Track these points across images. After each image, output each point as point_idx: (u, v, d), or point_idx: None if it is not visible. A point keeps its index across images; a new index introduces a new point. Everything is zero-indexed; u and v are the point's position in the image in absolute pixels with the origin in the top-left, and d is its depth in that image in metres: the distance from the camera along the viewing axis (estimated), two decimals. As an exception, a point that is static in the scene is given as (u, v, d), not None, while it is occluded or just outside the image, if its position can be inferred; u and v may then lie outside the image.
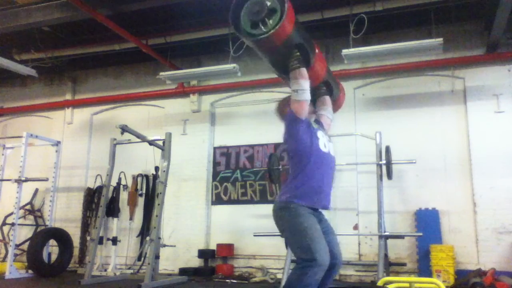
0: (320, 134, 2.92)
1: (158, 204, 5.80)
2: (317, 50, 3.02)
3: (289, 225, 2.71)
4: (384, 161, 5.80)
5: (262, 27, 2.65)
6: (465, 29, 6.70)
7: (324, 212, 2.94)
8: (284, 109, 3.01)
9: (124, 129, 5.87)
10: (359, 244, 6.60)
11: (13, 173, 7.54)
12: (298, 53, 2.80)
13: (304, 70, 2.79)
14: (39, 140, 7.68)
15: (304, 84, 2.78)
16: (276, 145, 7.22)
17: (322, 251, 2.56)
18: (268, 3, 2.66)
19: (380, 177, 5.88)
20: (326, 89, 3.25)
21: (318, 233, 2.65)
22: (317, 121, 3.14)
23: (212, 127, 7.88)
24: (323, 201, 2.85)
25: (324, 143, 2.91)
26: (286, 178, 2.92)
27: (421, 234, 5.64)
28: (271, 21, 2.64)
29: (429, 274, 5.76)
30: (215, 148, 7.78)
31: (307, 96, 2.80)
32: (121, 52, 7.63)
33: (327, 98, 3.25)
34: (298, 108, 2.81)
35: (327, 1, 6.26)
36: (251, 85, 7.54)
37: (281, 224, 2.78)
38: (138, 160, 7.83)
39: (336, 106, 3.55)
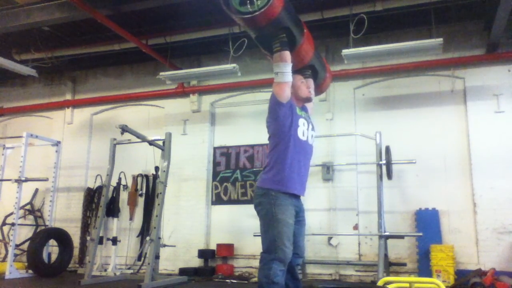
0: (301, 122, 2.95)
1: (158, 204, 5.80)
2: (305, 30, 3.03)
3: (266, 212, 2.78)
4: (384, 161, 5.81)
5: (249, 6, 2.67)
6: (465, 29, 6.70)
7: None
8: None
9: (124, 129, 5.87)
10: (359, 244, 6.60)
11: (13, 173, 7.53)
12: (283, 35, 2.81)
13: (286, 53, 2.81)
14: (39, 140, 7.67)
15: (285, 67, 2.80)
16: (276, 145, 7.21)
17: (284, 247, 2.68)
18: None
19: (380, 177, 5.89)
20: (311, 72, 3.26)
21: (288, 229, 2.74)
22: (304, 108, 3.15)
23: (212, 127, 7.88)
24: (299, 186, 2.91)
25: (303, 131, 2.94)
26: (266, 160, 2.98)
27: (421, 234, 5.65)
28: (258, 2, 2.65)
29: (429, 274, 5.76)
30: (215, 148, 7.78)
31: (287, 78, 2.83)
32: (121, 52, 7.63)
33: (311, 81, 3.25)
34: (278, 91, 2.84)
35: (327, 1, 6.26)
36: (251, 85, 7.54)
37: (259, 210, 2.85)
38: (138, 160, 7.83)
39: (322, 88, 3.59)
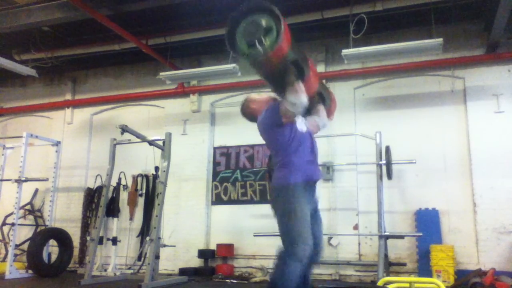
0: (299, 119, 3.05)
1: (158, 204, 5.80)
2: (310, 63, 3.05)
3: (284, 209, 2.80)
4: (384, 161, 5.81)
5: (259, 47, 2.63)
6: (465, 29, 6.70)
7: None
8: (250, 108, 3.22)
9: (124, 129, 5.87)
10: (359, 244, 6.60)
11: (13, 173, 7.53)
12: (293, 68, 2.83)
13: (301, 84, 2.84)
14: (39, 140, 7.67)
15: (304, 99, 2.83)
16: (276, 145, 7.21)
17: (304, 245, 2.68)
18: (264, 22, 2.65)
19: (380, 177, 5.89)
20: (319, 98, 3.33)
21: (306, 225, 2.75)
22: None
23: (212, 127, 7.88)
24: (315, 172, 3.00)
25: (299, 122, 3.04)
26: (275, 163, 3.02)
27: (421, 234, 5.65)
28: (268, 41, 2.63)
29: (429, 274, 5.76)
30: (215, 148, 7.78)
31: (300, 111, 2.90)
32: (121, 52, 7.63)
33: (321, 107, 3.35)
34: (287, 117, 2.91)
35: (327, 1, 6.26)
36: (251, 85, 7.52)
37: (276, 208, 2.87)
38: (138, 160, 7.83)
39: (328, 115, 3.61)
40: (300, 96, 2.81)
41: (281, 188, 2.84)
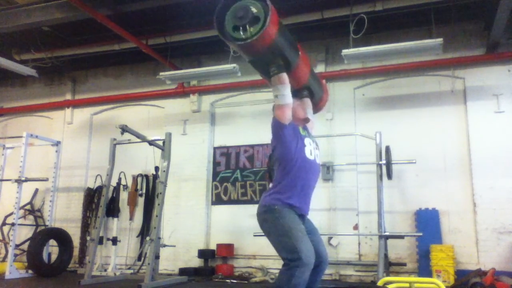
0: (307, 141, 2.94)
1: (158, 204, 5.80)
2: (300, 53, 3.03)
3: (274, 227, 2.72)
4: (384, 161, 5.81)
5: (242, 33, 2.64)
6: (465, 29, 6.70)
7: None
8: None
9: (124, 129, 5.87)
10: (359, 244, 6.60)
11: (13, 173, 7.53)
12: (279, 59, 2.80)
13: (283, 76, 2.79)
14: (39, 140, 7.67)
15: (284, 90, 2.79)
16: (276, 145, 7.21)
17: (307, 251, 2.60)
18: (254, 10, 2.64)
19: (380, 177, 5.89)
20: (308, 92, 3.27)
21: (302, 233, 2.68)
22: (305, 128, 3.15)
23: (212, 127, 7.88)
24: (305, 207, 2.88)
25: (310, 150, 2.93)
26: (273, 182, 2.94)
27: (421, 234, 5.65)
28: (251, 29, 2.62)
29: (429, 274, 5.76)
30: (215, 148, 7.78)
31: (287, 100, 2.82)
32: (121, 52, 7.63)
33: (308, 100, 3.26)
34: (280, 113, 2.83)
35: (327, 1, 6.26)
36: (251, 85, 7.53)
37: (266, 227, 2.79)
38: (138, 160, 7.83)
39: (318, 108, 3.58)
40: (279, 88, 2.79)
41: (267, 209, 2.77)
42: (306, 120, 3.16)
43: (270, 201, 2.78)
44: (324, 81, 3.77)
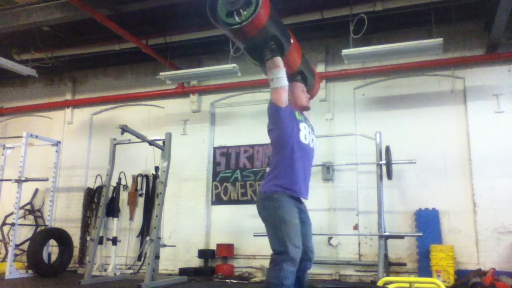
0: (302, 125, 2.97)
1: (158, 204, 5.80)
2: (292, 40, 3.07)
3: (271, 216, 2.79)
4: (384, 161, 5.81)
5: (236, 18, 2.69)
6: (465, 29, 6.70)
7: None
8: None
9: (124, 129, 5.87)
10: (359, 244, 6.60)
11: (13, 173, 7.53)
12: (272, 43, 2.84)
13: (278, 59, 2.84)
14: (39, 140, 7.67)
15: (279, 73, 2.83)
16: (276, 145, 7.21)
17: (295, 247, 2.68)
18: None
19: (380, 177, 5.89)
20: (301, 78, 3.29)
21: (295, 228, 2.74)
22: (302, 113, 3.17)
23: (212, 127, 7.88)
24: (304, 190, 2.92)
25: (305, 134, 2.96)
26: (268, 166, 2.99)
27: (421, 234, 5.65)
28: (245, 13, 2.67)
29: (429, 274, 5.76)
30: (215, 148, 7.78)
31: (282, 82, 2.86)
32: (121, 52, 7.63)
33: (304, 87, 3.27)
34: (276, 96, 2.87)
35: (327, 1, 6.26)
36: (251, 85, 7.54)
37: (264, 214, 2.85)
38: (138, 160, 7.83)
39: (312, 94, 3.60)
40: (274, 71, 2.82)
41: (268, 196, 2.81)
42: (307, 108, 3.19)
43: (270, 188, 2.82)
44: (316, 71, 3.80)
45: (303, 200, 2.99)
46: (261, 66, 3.08)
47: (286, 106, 2.88)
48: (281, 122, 2.87)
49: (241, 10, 2.67)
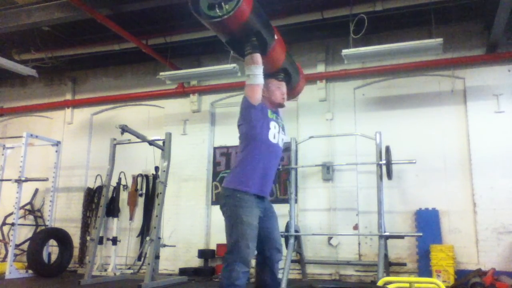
0: (272, 124, 2.96)
1: (158, 204, 5.80)
2: (276, 37, 3.05)
3: (230, 213, 2.78)
4: (384, 161, 5.80)
5: (217, 11, 2.67)
6: (465, 29, 6.70)
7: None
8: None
9: (124, 129, 5.87)
10: (359, 244, 6.60)
11: (13, 173, 7.53)
12: (254, 39, 2.83)
13: (257, 56, 2.85)
14: (39, 140, 7.68)
15: (256, 70, 2.85)
16: (276, 145, 7.22)
17: (247, 247, 2.68)
18: None
19: (380, 177, 5.88)
20: (284, 75, 3.28)
21: (251, 229, 2.74)
22: (275, 112, 3.16)
23: (212, 127, 7.88)
24: (267, 188, 2.93)
25: (274, 134, 2.95)
26: (235, 162, 2.99)
27: (421, 234, 5.64)
28: (227, 6, 2.65)
29: (429, 274, 5.76)
30: (215, 148, 7.78)
31: (258, 80, 2.88)
32: (121, 52, 7.62)
33: (283, 84, 3.26)
34: (250, 93, 2.90)
35: (327, 1, 6.26)
36: (251, 85, 7.52)
37: (224, 210, 2.85)
38: (138, 160, 7.83)
39: (295, 92, 3.60)
40: (251, 68, 2.84)
41: (230, 191, 2.81)
42: (282, 105, 3.17)
43: (234, 186, 2.81)
44: (301, 68, 3.79)
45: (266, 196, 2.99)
46: (242, 60, 3.07)
47: (258, 104, 2.89)
48: (251, 119, 2.88)
49: (223, 4, 2.65)
